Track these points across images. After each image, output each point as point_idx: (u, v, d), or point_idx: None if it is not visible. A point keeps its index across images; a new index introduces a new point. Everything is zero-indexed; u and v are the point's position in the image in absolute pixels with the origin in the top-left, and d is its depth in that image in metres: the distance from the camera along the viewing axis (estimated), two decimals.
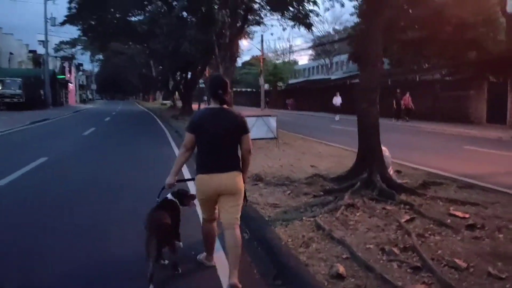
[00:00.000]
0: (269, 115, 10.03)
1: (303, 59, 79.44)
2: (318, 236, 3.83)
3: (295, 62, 67.34)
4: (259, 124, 9.85)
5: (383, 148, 5.65)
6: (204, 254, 3.45)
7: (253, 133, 9.58)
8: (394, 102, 22.52)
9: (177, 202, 3.47)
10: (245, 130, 3.09)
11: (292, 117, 27.03)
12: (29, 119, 20.83)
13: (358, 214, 4.43)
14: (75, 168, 8.20)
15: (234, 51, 16.59)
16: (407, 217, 4.24)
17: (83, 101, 71.04)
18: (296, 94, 42.94)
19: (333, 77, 43.00)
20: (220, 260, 3.45)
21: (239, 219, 3.09)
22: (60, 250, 3.79)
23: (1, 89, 30.85)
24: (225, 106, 3.09)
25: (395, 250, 3.39)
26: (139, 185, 6.41)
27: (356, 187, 5.07)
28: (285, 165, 7.63)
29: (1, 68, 36.01)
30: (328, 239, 3.74)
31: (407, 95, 22.14)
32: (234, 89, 60.07)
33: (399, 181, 5.64)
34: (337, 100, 25.38)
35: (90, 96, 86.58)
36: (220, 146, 3.04)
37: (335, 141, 11.75)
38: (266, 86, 44.99)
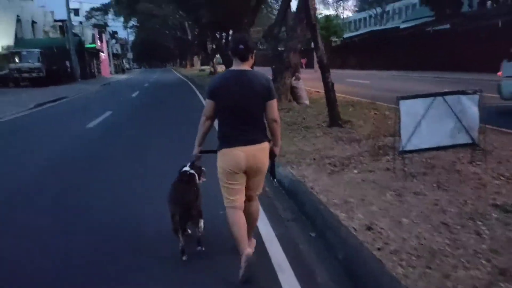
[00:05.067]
0: (462, 91, 4.19)
1: (345, 12, 70.73)
2: None
3: (338, 16, 59.47)
4: (439, 113, 4.14)
5: None
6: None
7: (422, 136, 3.85)
8: None
9: (195, 174, 3.13)
10: (270, 95, 2.65)
11: (362, 78, 20.72)
12: (39, 99, 16.41)
13: None
14: None
15: None
16: None
17: (121, 70, 67.18)
18: (356, 49, 35.91)
19: (402, 25, 35.34)
20: None
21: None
22: None
23: (18, 62, 26.62)
24: (248, 67, 2.67)
25: None
26: None
27: None
28: None
29: (20, 39, 31.68)
30: None
31: None
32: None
33: None
34: None
35: (127, 66, 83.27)
36: (243, 115, 2.63)
37: None
38: None
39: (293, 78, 11.01)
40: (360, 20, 64.23)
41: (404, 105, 4.08)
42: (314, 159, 5.26)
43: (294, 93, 10.97)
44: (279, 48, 12.19)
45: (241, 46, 2.62)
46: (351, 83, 19.17)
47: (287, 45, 10.67)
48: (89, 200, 4.39)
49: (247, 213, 2.81)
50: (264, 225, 3.47)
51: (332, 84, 7.09)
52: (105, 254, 3.15)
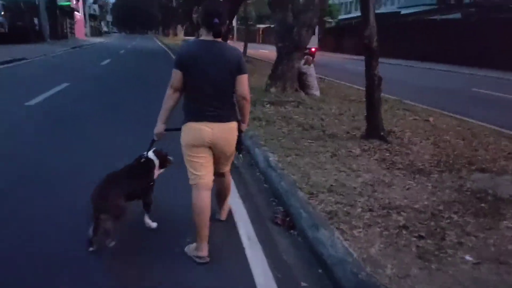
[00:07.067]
0: None
1: None
2: None
3: None
4: None
5: None
6: (194, 245, 2.58)
7: None
8: None
9: (154, 162, 2.81)
10: (241, 69, 2.43)
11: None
12: None
13: None
14: None
15: None
16: None
17: (99, 33, 62.83)
18: (353, 33, 33.60)
19: (403, 11, 33.18)
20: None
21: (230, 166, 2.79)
22: None
23: None
24: (219, 39, 2.41)
25: None
26: None
27: None
28: None
29: None
30: None
31: None
32: (263, 25, 49.23)
33: None
34: None
35: (105, 29, 78.53)
36: (214, 88, 2.41)
37: None
38: None
39: (302, 62, 8.74)
40: (351, 3, 61.86)
41: None
42: (371, 210, 3.10)
43: (301, 81, 8.72)
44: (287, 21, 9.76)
45: (216, 20, 2.31)
46: (353, 70, 16.95)
47: (300, 19, 8.33)
48: None
49: (218, 188, 2.82)
50: None
51: (380, 79, 4.83)
52: None
